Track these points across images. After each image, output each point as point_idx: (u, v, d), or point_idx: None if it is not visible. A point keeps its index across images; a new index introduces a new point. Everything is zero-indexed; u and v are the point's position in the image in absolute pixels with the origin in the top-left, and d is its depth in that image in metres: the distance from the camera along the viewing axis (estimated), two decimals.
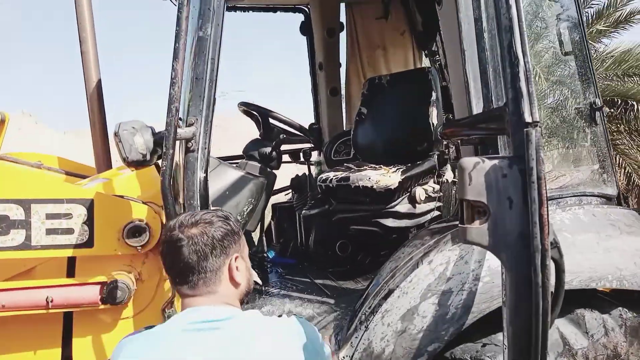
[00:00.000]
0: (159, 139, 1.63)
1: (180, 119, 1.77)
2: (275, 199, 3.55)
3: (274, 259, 3.20)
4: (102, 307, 1.92)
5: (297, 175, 3.40)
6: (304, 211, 3.08)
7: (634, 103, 9.28)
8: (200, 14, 1.68)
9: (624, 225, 2.07)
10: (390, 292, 1.85)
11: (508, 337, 0.95)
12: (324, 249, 3.02)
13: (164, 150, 1.53)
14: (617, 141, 9.34)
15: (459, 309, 1.68)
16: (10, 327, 1.89)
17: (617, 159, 8.91)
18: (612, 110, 9.49)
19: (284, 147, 2.85)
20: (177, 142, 1.72)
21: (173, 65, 1.53)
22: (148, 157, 1.61)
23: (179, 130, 1.64)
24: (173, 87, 1.52)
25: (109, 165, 2.48)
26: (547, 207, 0.83)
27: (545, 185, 0.82)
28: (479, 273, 1.73)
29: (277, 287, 2.69)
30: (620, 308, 1.87)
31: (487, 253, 1.77)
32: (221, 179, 2.23)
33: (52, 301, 1.85)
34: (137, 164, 1.62)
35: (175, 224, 1.30)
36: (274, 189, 3.57)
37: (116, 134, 1.56)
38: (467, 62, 1.82)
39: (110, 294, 1.91)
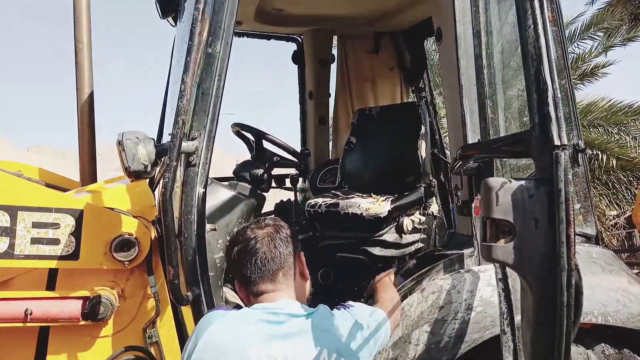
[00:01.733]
0: (161, 151, 1.62)
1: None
2: None
3: None
4: (82, 322, 1.85)
5: (282, 200, 3.39)
6: None
7: (599, 152, 9.72)
8: (211, 31, 1.70)
9: (605, 264, 2.14)
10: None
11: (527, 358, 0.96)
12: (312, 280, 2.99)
13: (168, 162, 1.51)
14: None
15: (452, 338, 1.68)
16: None
17: None
18: None
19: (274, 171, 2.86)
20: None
21: (183, 79, 1.53)
22: (149, 168, 1.59)
23: (183, 144, 1.63)
24: (181, 100, 1.52)
25: (94, 179, 2.42)
26: (574, 228, 0.86)
27: (573, 207, 0.86)
28: (471, 303, 1.75)
29: None
30: (602, 344, 1.91)
31: (480, 282, 1.79)
32: (213, 198, 2.20)
33: (31, 314, 1.76)
34: (138, 175, 1.59)
35: (243, 228, 1.42)
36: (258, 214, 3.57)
37: (120, 143, 1.54)
38: (465, 96, 1.89)
39: (92, 310, 1.83)
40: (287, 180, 3.31)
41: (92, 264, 1.86)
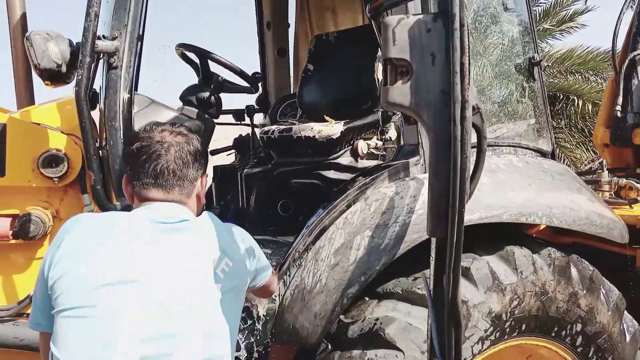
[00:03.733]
0: (76, 50, 1.51)
1: (103, 36, 1.65)
2: (217, 162, 3.43)
3: None
4: (12, 241, 1.78)
5: (240, 135, 3.30)
6: (245, 170, 2.99)
7: (575, 98, 9.73)
8: None
9: (556, 174, 2.11)
10: (325, 229, 1.80)
11: (428, 204, 0.91)
12: (266, 208, 2.94)
13: (81, 57, 1.41)
14: (558, 136, 9.76)
15: (391, 240, 1.65)
16: None
17: (559, 152, 9.30)
18: (554, 105, 9.90)
19: (226, 104, 2.76)
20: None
21: None
22: (64, 68, 1.48)
23: (99, 42, 1.52)
24: None
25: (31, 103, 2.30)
26: (469, 58, 0.79)
27: (469, 36, 0.78)
28: (413, 206, 1.71)
29: None
30: (549, 248, 1.89)
31: (423, 188, 1.75)
32: (152, 119, 2.11)
33: None
34: (51, 75, 1.48)
35: (154, 128, 1.28)
36: (215, 149, 3.48)
37: (27, 39, 1.43)
38: None
39: (22, 228, 1.77)
40: (245, 114, 3.21)
41: (20, 181, 1.78)
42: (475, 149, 0.96)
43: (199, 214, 1.35)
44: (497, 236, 1.87)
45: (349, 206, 1.80)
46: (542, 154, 2.35)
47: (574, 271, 1.89)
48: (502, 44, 2.39)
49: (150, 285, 1.10)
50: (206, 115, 2.39)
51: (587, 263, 1.95)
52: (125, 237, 1.15)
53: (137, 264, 1.12)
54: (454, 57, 0.78)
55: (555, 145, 2.50)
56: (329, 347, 1.71)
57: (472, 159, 0.98)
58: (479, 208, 1.70)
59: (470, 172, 0.89)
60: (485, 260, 1.76)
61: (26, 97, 2.32)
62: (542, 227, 2.26)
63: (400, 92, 0.83)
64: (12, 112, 2.05)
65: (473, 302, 1.70)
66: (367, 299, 1.76)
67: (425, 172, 1.83)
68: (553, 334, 1.86)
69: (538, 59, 2.35)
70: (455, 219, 0.85)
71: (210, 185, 3.43)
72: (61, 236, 1.15)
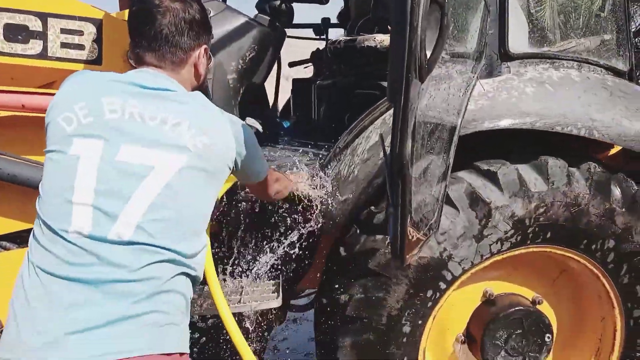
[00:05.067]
0: None
1: None
2: (295, 74, 3.64)
3: (286, 128, 3.35)
4: None
5: (317, 48, 3.44)
6: (318, 82, 3.16)
7: None
8: None
9: (619, 92, 2.02)
10: (364, 128, 1.96)
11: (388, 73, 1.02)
12: (334, 117, 3.11)
13: None
14: None
15: None
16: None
17: None
18: None
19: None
20: None
21: None
22: None
23: None
24: None
25: None
26: None
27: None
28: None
29: (281, 143, 2.86)
30: (590, 163, 1.88)
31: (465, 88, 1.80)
32: (225, 23, 2.33)
33: None
34: None
35: None
36: (293, 61, 3.68)
37: None
38: None
39: None
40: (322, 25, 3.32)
41: (114, 69, 2.12)
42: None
43: (197, 87, 1.36)
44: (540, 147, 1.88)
45: (389, 108, 1.92)
46: (617, 73, 2.23)
47: (614, 188, 1.87)
48: None
49: (115, 143, 1.13)
50: (277, 24, 2.56)
51: (633, 183, 1.91)
52: (106, 94, 1.17)
53: (109, 121, 1.14)
54: None
55: (635, 66, 2.33)
56: (358, 231, 1.91)
57: None
58: (511, 115, 1.74)
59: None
60: (515, 167, 1.81)
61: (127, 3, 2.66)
62: (613, 151, 2.18)
63: None
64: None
65: (496, 204, 1.78)
66: None
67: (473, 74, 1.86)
68: (582, 247, 1.89)
69: None
70: (408, 88, 0.94)
71: (289, 98, 3.67)
72: (60, 87, 1.27)
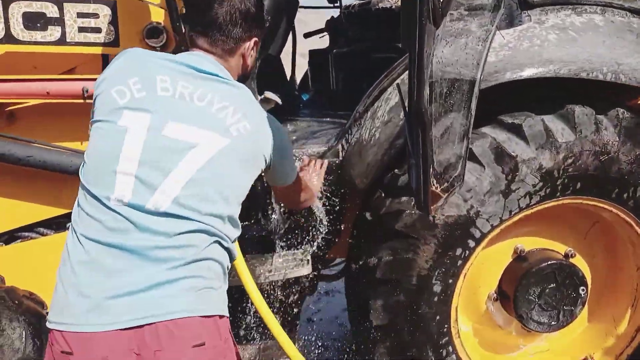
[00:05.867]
0: None
1: None
2: (311, 45, 3.60)
3: (305, 101, 3.33)
4: None
5: (332, 17, 3.39)
6: (335, 50, 3.12)
7: None
8: None
9: None
10: (383, 90, 1.93)
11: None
12: (353, 85, 3.08)
13: None
14: None
15: None
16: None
17: None
18: None
19: None
20: None
21: None
22: None
23: None
24: None
25: None
26: None
27: None
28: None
29: (299, 115, 2.85)
30: (618, 109, 1.82)
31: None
32: None
33: (87, 91, 2.13)
34: None
35: None
36: (309, 31, 3.64)
37: None
38: None
39: None
40: None
41: None
42: None
43: (240, 76, 1.39)
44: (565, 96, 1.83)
45: (406, 68, 1.89)
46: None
47: None
48: None
49: (163, 118, 1.17)
50: None
51: None
52: (160, 73, 1.22)
53: (160, 98, 1.19)
54: None
55: None
56: (383, 194, 1.91)
57: None
58: (534, 63, 1.69)
59: None
60: (540, 118, 1.77)
61: None
62: None
63: None
64: None
65: (522, 157, 1.75)
66: None
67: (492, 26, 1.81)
68: (613, 196, 1.85)
69: None
70: (423, 33, 0.92)
71: (306, 71, 3.65)
72: (112, 62, 1.31)
